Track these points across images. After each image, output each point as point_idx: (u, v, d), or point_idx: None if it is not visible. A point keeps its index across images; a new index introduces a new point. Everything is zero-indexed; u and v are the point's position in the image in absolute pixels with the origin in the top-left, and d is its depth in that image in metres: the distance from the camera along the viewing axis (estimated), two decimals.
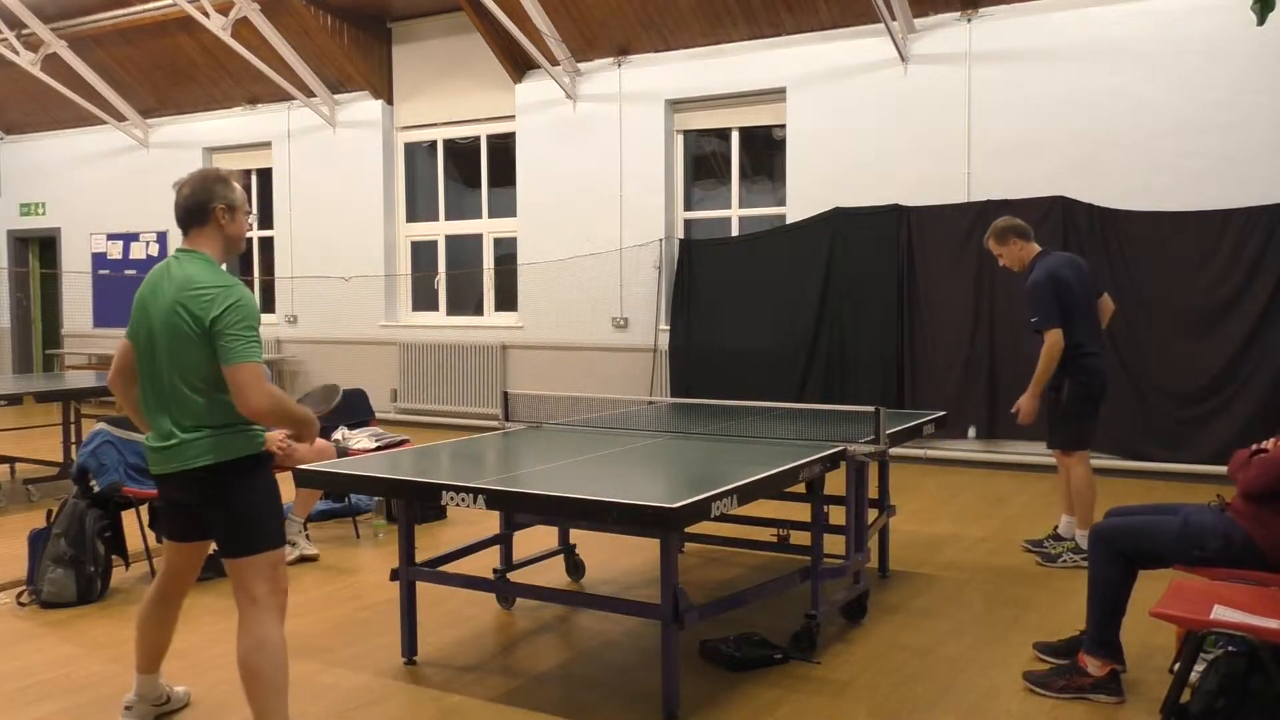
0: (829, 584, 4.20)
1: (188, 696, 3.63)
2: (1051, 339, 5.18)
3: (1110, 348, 7.69)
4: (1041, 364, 5.22)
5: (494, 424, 5.51)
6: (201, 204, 3.09)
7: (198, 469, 3.01)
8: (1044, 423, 7.09)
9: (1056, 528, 5.58)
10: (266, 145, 12.20)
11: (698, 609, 3.46)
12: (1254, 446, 3.53)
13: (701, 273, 9.37)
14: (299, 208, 11.88)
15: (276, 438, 5.57)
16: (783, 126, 9.17)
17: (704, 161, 10.08)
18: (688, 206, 9.96)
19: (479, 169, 11.09)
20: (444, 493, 3.43)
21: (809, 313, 8.81)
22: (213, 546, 3.36)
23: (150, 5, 10.92)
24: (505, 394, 5.18)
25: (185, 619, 4.07)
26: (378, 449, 6.09)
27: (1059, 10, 7.96)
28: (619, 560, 5.40)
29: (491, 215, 11.08)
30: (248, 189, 12.64)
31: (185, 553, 3.34)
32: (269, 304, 12.27)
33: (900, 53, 8.42)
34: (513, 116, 10.53)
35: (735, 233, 9.60)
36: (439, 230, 11.41)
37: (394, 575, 4.00)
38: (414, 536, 4.03)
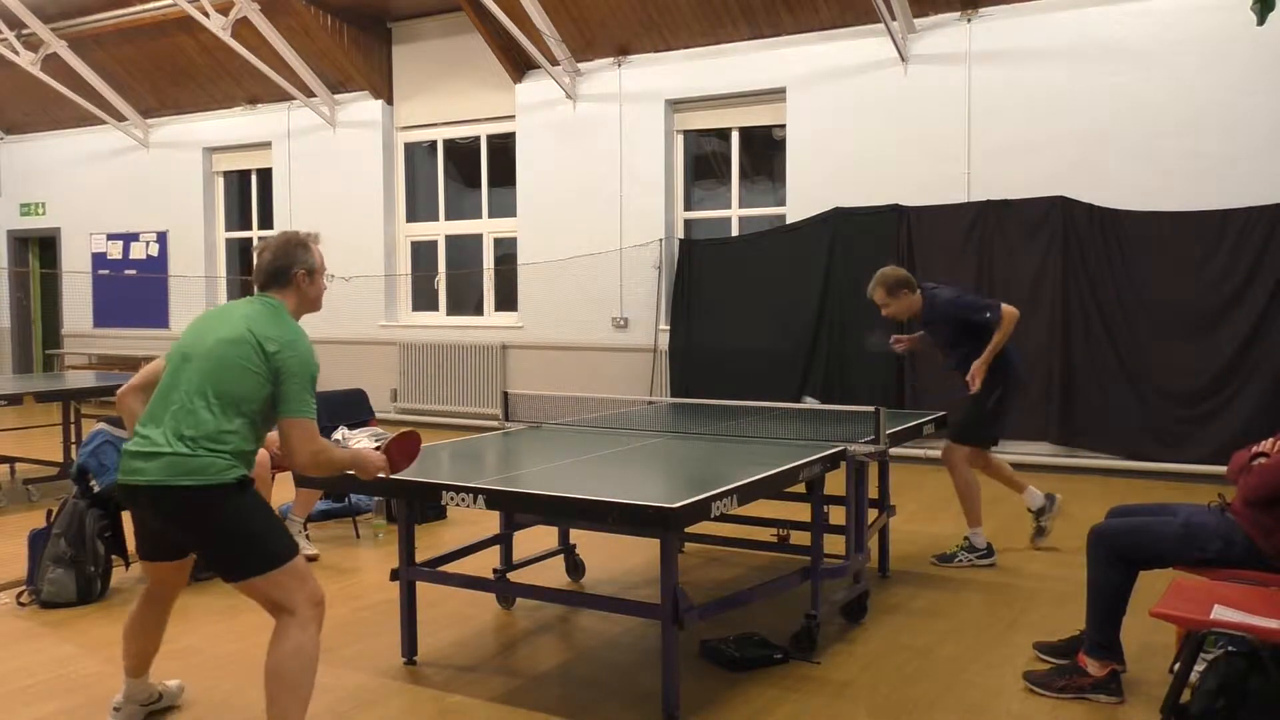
0: (829, 584, 4.20)
1: (181, 690, 3.62)
2: (1008, 311, 5.26)
3: (1110, 347, 7.73)
4: (1002, 336, 5.24)
5: (494, 424, 5.51)
6: (283, 268, 3.20)
7: (179, 487, 2.94)
8: (1041, 422, 7.11)
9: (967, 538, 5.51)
10: (266, 145, 12.20)
11: (698, 609, 3.45)
12: (1253, 450, 3.52)
13: (701, 273, 9.37)
14: (299, 208, 11.87)
15: (275, 439, 5.57)
16: (783, 126, 9.17)
17: (704, 161, 10.08)
18: (688, 206, 9.96)
19: (479, 169, 11.09)
20: (444, 493, 3.43)
21: (809, 313, 8.81)
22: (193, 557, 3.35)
23: (150, 5, 10.92)
24: (505, 394, 5.18)
25: (185, 619, 4.08)
26: (378, 449, 6.08)
27: (1059, 10, 7.96)
28: (619, 560, 5.40)
29: (491, 215, 11.08)
30: (248, 189, 12.67)
31: (164, 571, 3.30)
32: None
33: (900, 53, 8.42)
34: (513, 116, 10.53)
35: (735, 233, 9.60)
36: (439, 230, 11.41)
37: (394, 575, 4.00)
38: (414, 536, 4.03)
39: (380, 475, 3.30)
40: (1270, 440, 3.50)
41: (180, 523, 3.04)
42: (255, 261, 3.26)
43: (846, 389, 8.57)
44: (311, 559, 5.51)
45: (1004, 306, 5.31)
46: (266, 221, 12.31)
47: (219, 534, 3.02)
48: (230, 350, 3.02)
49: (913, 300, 5.45)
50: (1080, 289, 7.80)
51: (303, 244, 3.25)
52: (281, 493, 5.83)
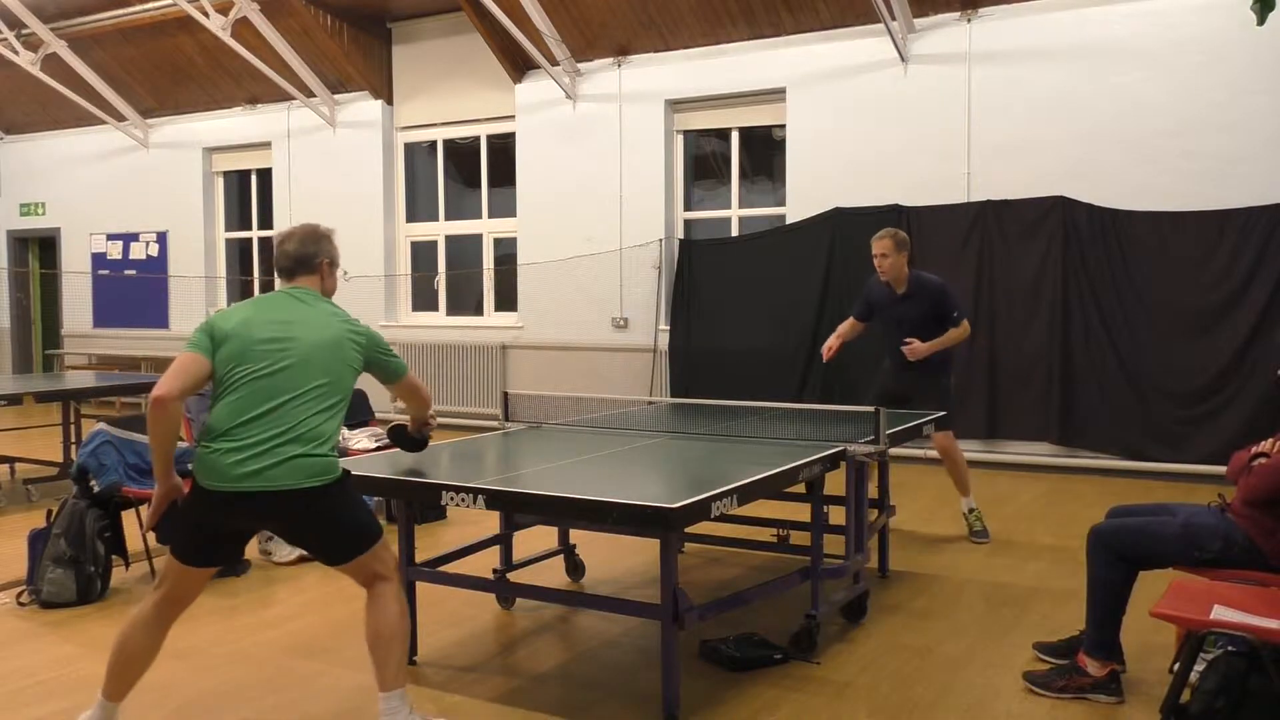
0: (829, 584, 4.20)
1: None
2: (966, 327, 5.83)
3: (1110, 347, 7.73)
4: (955, 339, 5.80)
5: (494, 424, 5.51)
6: (310, 256, 3.36)
7: (306, 489, 3.08)
8: (1041, 422, 7.09)
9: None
10: (266, 145, 12.20)
11: (698, 609, 3.45)
12: (1253, 450, 3.52)
13: (701, 273, 9.37)
14: (299, 208, 11.86)
15: None
16: (783, 126, 9.17)
17: (704, 161, 10.08)
18: (688, 206, 9.96)
19: (479, 169, 11.09)
20: (444, 493, 3.43)
21: (809, 313, 8.81)
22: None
23: (150, 5, 10.92)
24: (505, 394, 5.18)
25: (185, 619, 4.06)
26: (378, 449, 6.09)
27: (1059, 10, 7.96)
28: (619, 560, 5.40)
29: (491, 215, 11.08)
30: (248, 189, 12.68)
31: (201, 577, 3.27)
32: None
33: (900, 53, 8.42)
34: (513, 116, 10.54)
35: (735, 233, 9.60)
36: (439, 230, 11.41)
37: None
38: (414, 536, 4.03)
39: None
40: (1270, 440, 3.50)
41: (303, 522, 3.18)
42: (278, 250, 3.39)
43: (846, 389, 8.56)
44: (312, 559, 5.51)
45: (965, 323, 5.85)
46: (266, 222, 12.31)
47: (340, 524, 3.20)
48: (335, 354, 3.21)
49: (904, 266, 5.87)
50: (1080, 289, 7.80)
51: (327, 236, 3.43)
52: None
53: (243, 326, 3.16)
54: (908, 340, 5.74)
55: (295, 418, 3.08)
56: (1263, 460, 3.42)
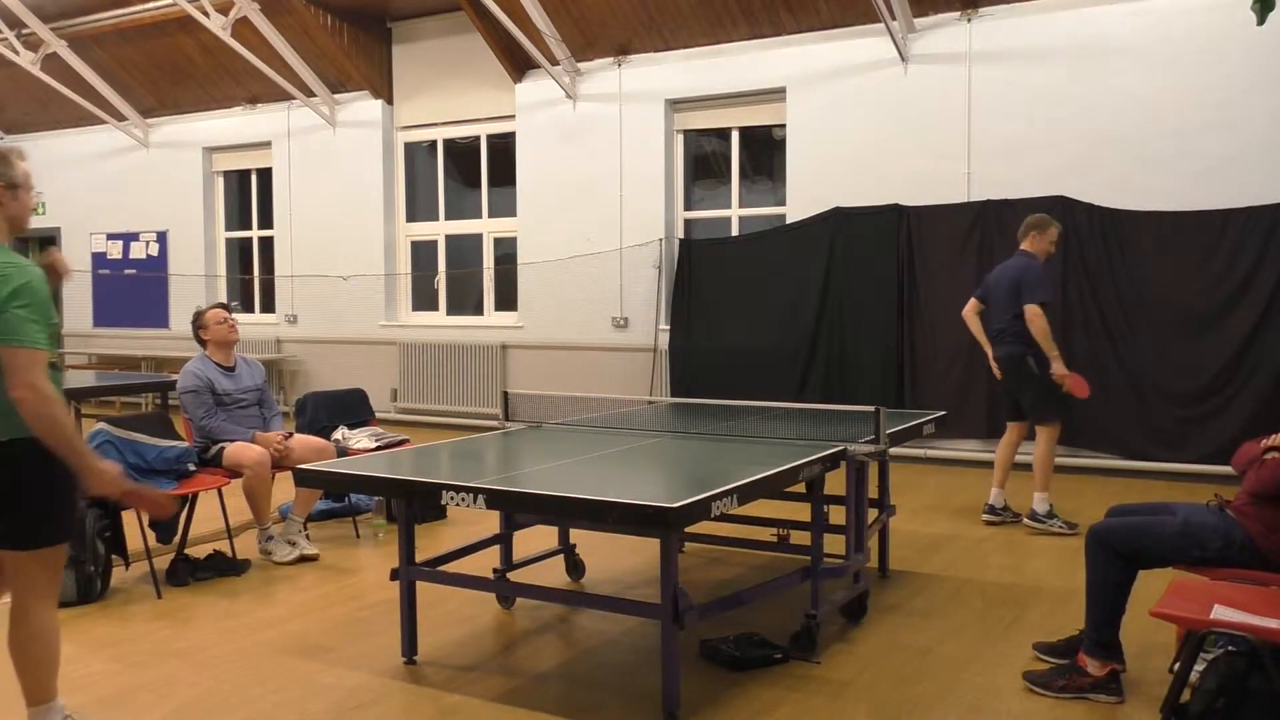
0: (829, 584, 4.20)
1: None
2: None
3: (1110, 347, 7.73)
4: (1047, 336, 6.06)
5: (494, 424, 5.51)
6: None
7: None
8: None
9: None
10: (266, 145, 12.19)
11: (698, 609, 3.45)
12: (1263, 443, 3.50)
13: (701, 273, 9.37)
14: (299, 208, 11.87)
15: (274, 438, 5.58)
16: (783, 126, 9.17)
17: (704, 161, 10.08)
18: (688, 206, 9.96)
19: (479, 169, 11.09)
20: (444, 492, 3.43)
21: (809, 313, 8.81)
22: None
23: (150, 5, 10.91)
24: (505, 394, 5.18)
25: (186, 619, 4.06)
26: (378, 449, 6.09)
27: (1059, 10, 7.96)
28: (619, 560, 5.40)
29: (491, 215, 11.08)
30: (248, 189, 12.67)
31: None
32: (269, 303, 12.28)
33: (900, 53, 8.42)
34: (513, 116, 10.53)
35: (735, 233, 9.60)
36: (439, 230, 11.41)
37: (394, 575, 4.00)
38: (414, 536, 4.03)
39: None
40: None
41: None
42: None
43: (846, 389, 8.58)
44: (311, 559, 5.52)
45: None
46: (267, 221, 12.30)
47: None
48: None
49: None
50: (1080, 289, 7.80)
51: (3, 157, 3.06)
52: (281, 493, 5.83)
53: None
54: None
55: None
56: (1275, 454, 3.40)
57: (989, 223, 8.12)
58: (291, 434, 5.74)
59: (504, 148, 10.80)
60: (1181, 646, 3.15)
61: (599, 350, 9.98)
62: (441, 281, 11.38)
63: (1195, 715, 2.97)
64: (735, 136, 9.62)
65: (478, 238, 11.18)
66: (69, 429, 2.86)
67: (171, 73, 12.23)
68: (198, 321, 5.75)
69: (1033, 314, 6.01)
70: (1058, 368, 6.03)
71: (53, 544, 2.97)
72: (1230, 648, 3.08)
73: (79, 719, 3.20)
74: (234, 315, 5.85)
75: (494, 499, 3.39)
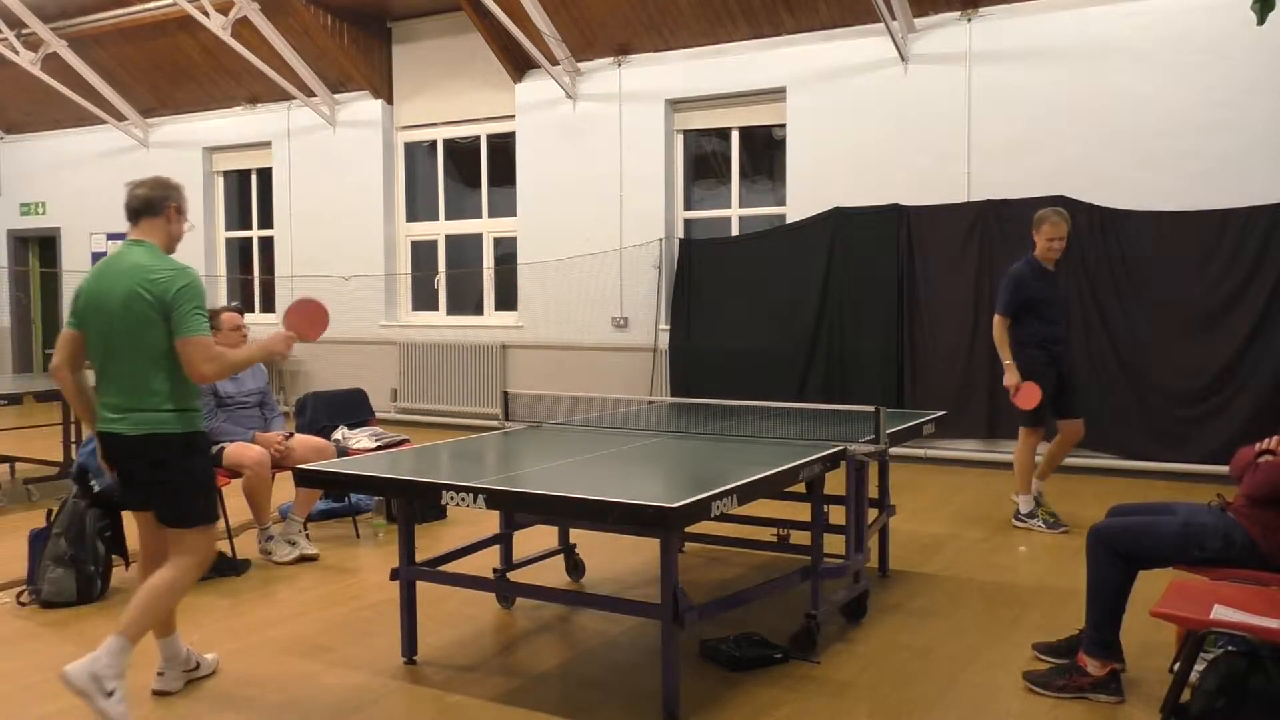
0: (829, 584, 4.20)
1: (216, 664, 3.88)
2: None
3: (1110, 347, 7.73)
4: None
5: (494, 424, 5.52)
6: (158, 200, 3.60)
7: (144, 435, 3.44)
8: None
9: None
10: (266, 145, 12.20)
11: (698, 609, 3.45)
12: (1258, 447, 3.52)
13: (701, 272, 9.37)
14: (299, 208, 11.87)
15: (274, 439, 5.58)
16: (783, 126, 9.17)
17: (704, 161, 10.08)
18: (688, 206, 9.96)
19: (479, 169, 11.09)
20: (444, 492, 3.43)
21: (809, 313, 8.81)
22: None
23: (150, 5, 10.91)
24: (505, 394, 5.18)
25: (186, 619, 4.06)
26: (378, 449, 6.09)
27: (1059, 10, 7.96)
28: (619, 560, 5.40)
29: (491, 215, 11.08)
30: (248, 189, 12.68)
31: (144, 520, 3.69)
32: (269, 304, 12.28)
33: (900, 53, 8.42)
34: (513, 116, 10.53)
35: (735, 233, 9.60)
36: (439, 230, 11.41)
37: (394, 575, 4.00)
38: (414, 536, 4.03)
39: (291, 342, 3.78)
40: (1276, 438, 3.50)
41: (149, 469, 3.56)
42: (130, 194, 3.63)
43: (846, 389, 8.57)
44: (311, 559, 5.52)
45: None
46: (267, 221, 12.30)
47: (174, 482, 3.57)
48: (129, 310, 3.45)
49: None
50: (1080, 289, 7.79)
51: (176, 187, 3.67)
52: (281, 493, 5.83)
53: (84, 298, 3.58)
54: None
55: (122, 373, 3.47)
56: (1269, 458, 3.42)
57: (989, 223, 8.12)
58: (292, 434, 5.74)
59: (504, 148, 10.80)
60: (1181, 646, 3.15)
61: (599, 350, 9.98)
62: (441, 281, 11.38)
63: (1195, 715, 2.97)
64: (735, 136, 9.62)
65: (478, 238, 11.18)
66: (241, 361, 3.72)
67: (171, 73, 12.23)
68: (211, 321, 5.72)
69: (995, 322, 6.18)
70: (1007, 378, 6.09)
71: (205, 523, 3.58)
72: (1230, 648, 3.08)
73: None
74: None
75: (494, 499, 3.39)
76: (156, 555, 3.62)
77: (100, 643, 3.31)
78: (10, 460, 7.87)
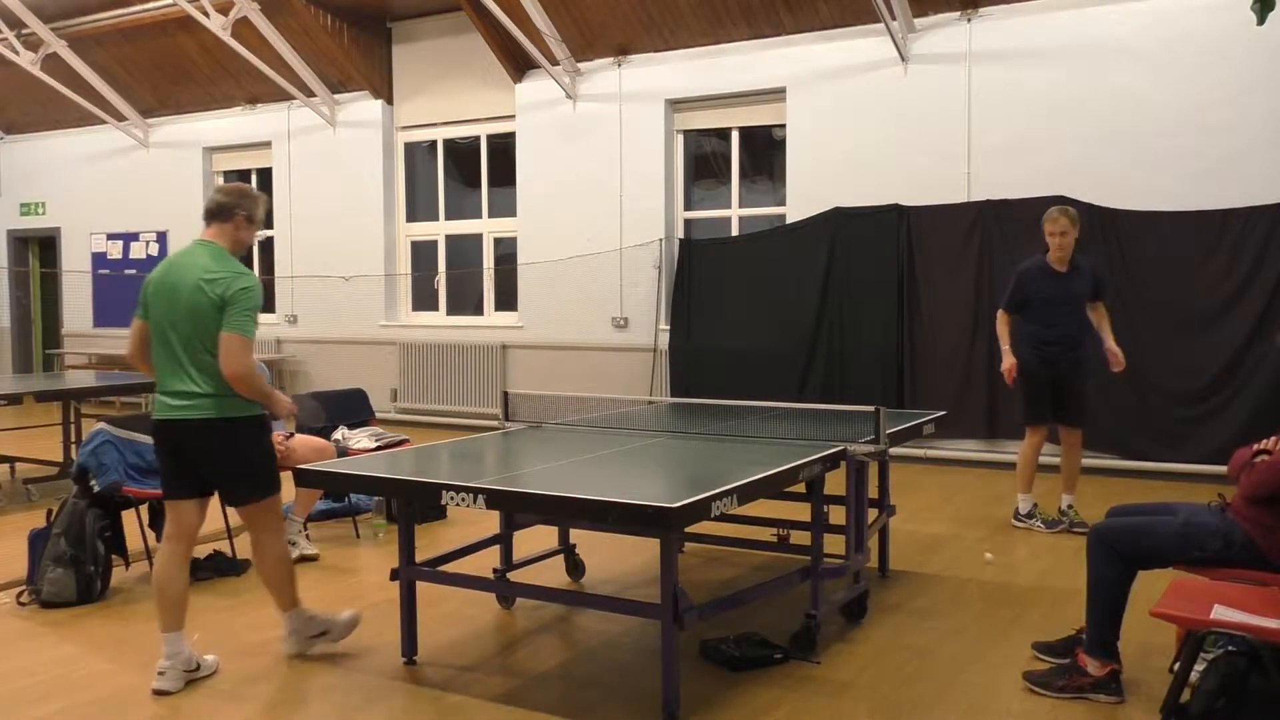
0: (829, 584, 4.20)
1: (216, 665, 3.91)
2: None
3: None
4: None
5: (494, 424, 5.52)
6: (230, 207, 3.86)
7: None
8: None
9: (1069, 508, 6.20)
10: (266, 145, 12.20)
11: (698, 609, 3.45)
12: (1255, 447, 3.53)
13: (701, 273, 9.37)
14: (299, 208, 11.88)
15: (275, 438, 5.58)
16: (783, 126, 9.17)
17: (704, 161, 10.08)
18: (688, 206, 9.96)
19: (479, 169, 11.09)
20: (444, 493, 3.42)
21: (809, 313, 8.81)
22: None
23: (150, 5, 10.92)
24: (505, 394, 5.18)
25: (187, 619, 4.06)
26: (378, 449, 6.09)
27: (1059, 10, 7.96)
28: (619, 560, 5.40)
29: (491, 215, 11.08)
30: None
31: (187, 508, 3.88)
32: (269, 304, 12.26)
33: (900, 53, 8.42)
34: (513, 116, 10.53)
35: (735, 233, 9.60)
36: (439, 230, 11.41)
37: (394, 575, 4.00)
38: (414, 536, 4.03)
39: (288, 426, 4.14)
40: (1272, 438, 3.51)
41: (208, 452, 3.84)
42: (210, 197, 3.96)
43: (846, 389, 8.57)
44: (311, 559, 5.52)
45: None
46: (267, 221, 12.26)
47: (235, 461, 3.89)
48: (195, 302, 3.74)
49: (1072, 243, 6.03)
50: None
51: (255, 198, 3.94)
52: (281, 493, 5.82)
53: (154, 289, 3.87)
54: (1111, 350, 6.17)
55: (188, 363, 3.71)
56: (1265, 458, 3.42)
57: (989, 223, 8.12)
58: (292, 434, 5.74)
59: (504, 148, 10.80)
60: (1181, 646, 3.15)
61: (599, 350, 9.98)
62: (441, 281, 11.38)
63: (1195, 715, 2.97)
64: (735, 136, 9.62)
65: (478, 238, 11.18)
66: (265, 389, 3.84)
67: (171, 73, 12.23)
68: None
69: (997, 315, 6.26)
70: (1004, 362, 6.16)
71: (271, 494, 3.90)
72: (1230, 648, 3.08)
73: (322, 617, 4.10)
74: None
75: (494, 499, 3.39)
76: (182, 537, 3.84)
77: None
78: (10, 460, 7.87)
